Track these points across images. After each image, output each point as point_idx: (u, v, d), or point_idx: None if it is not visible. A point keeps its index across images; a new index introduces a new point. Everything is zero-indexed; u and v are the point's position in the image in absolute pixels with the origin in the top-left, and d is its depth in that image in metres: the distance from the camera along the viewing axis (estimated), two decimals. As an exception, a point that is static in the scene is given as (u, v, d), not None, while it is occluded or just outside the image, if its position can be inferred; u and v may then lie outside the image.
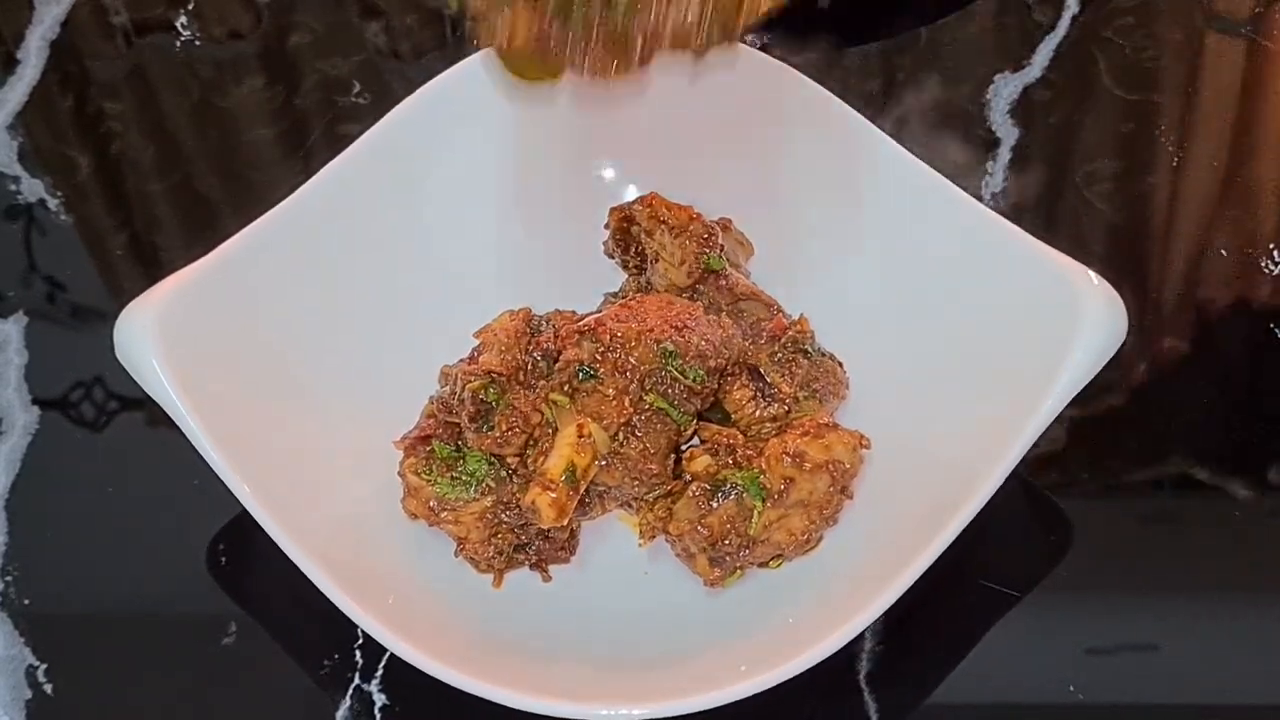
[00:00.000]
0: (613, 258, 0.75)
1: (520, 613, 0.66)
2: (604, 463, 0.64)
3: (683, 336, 0.65)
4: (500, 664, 0.61)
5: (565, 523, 0.63)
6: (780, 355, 0.67)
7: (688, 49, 0.62)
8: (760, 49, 0.77)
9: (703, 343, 0.65)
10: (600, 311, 0.68)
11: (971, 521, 0.61)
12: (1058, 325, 0.63)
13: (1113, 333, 0.63)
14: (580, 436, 0.63)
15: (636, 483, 0.64)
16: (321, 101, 0.95)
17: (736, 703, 0.58)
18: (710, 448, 0.65)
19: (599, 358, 0.64)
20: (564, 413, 0.64)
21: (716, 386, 0.66)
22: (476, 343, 0.68)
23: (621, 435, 0.64)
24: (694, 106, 0.77)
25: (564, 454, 0.63)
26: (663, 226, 0.71)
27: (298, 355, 0.69)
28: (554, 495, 0.62)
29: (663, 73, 0.76)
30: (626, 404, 0.64)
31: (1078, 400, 0.63)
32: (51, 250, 0.87)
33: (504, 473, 0.65)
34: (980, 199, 0.79)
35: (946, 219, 0.70)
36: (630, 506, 0.68)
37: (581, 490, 0.63)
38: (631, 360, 0.64)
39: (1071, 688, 0.65)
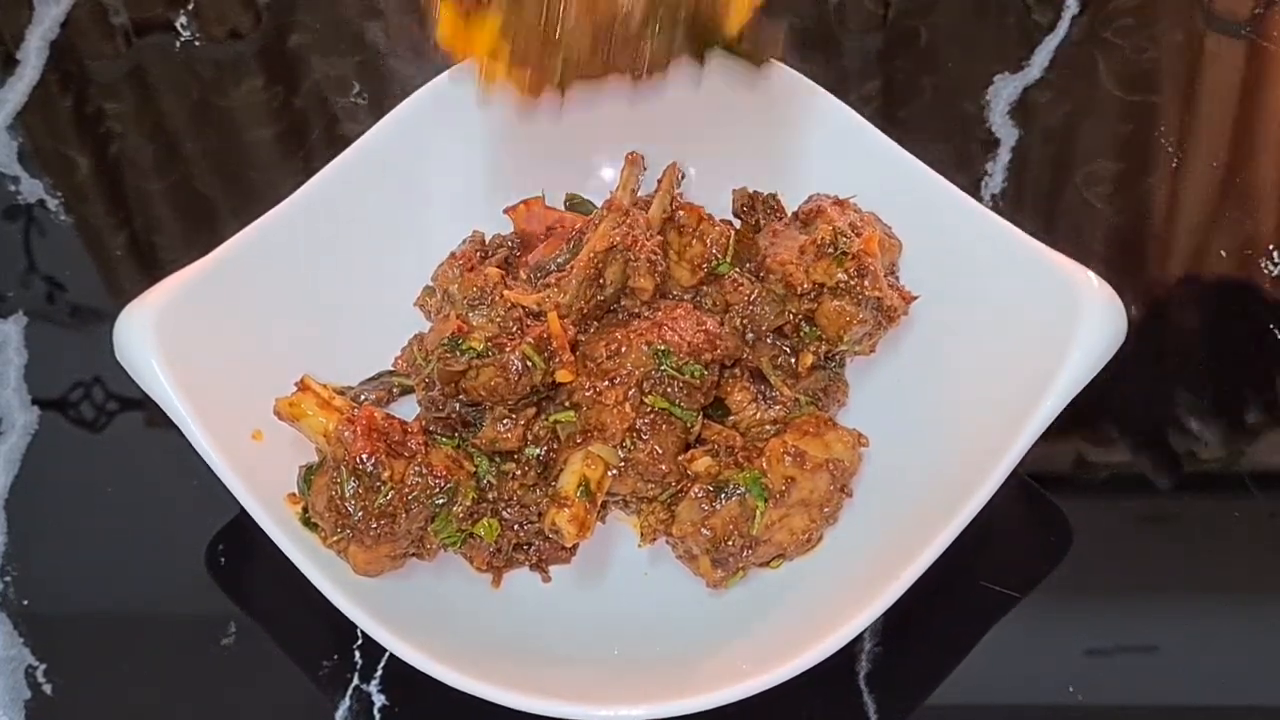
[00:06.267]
0: None
1: (520, 613, 0.66)
2: (615, 472, 0.63)
3: (672, 334, 0.65)
4: (499, 665, 0.61)
5: (588, 538, 0.62)
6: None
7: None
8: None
9: (693, 337, 0.65)
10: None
11: (971, 522, 0.61)
12: (1058, 326, 0.63)
13: (1112, 333, 0.63)
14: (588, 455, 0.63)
15: (650, 485, 0.64)
16: (321, 102, 0.95)
17: (737, 703, 0.58)
18: (711, 449, 0.65)
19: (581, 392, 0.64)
20: (569, 430, 0.64)
21: (718, 380, 0.66)
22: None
23: (629, 441, 0.64)
24: (693, 107, 0.77)
25: (576, 470, 0.63)
26: (671, 224, 0.71)
27: (297, 355, 0.69)
28: (572, 511, 0.61)
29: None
30: (628, 409, 0.63)
31: (1078, 401, 0.63)
32: (51, 250, 0.87)
33: (505, 468, 0.65)
34: (980, 199, 0.79)
35: (946, 220, 0.70)
36: (630, 507, 0.68)
37: (599, 503, 0.63)
38: (627, 366, 0.64)
39: (1071, 688, 0.65)
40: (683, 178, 0.74)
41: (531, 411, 0.65)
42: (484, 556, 0.65)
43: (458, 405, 0.65)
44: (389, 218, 0.75)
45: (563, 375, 0.64)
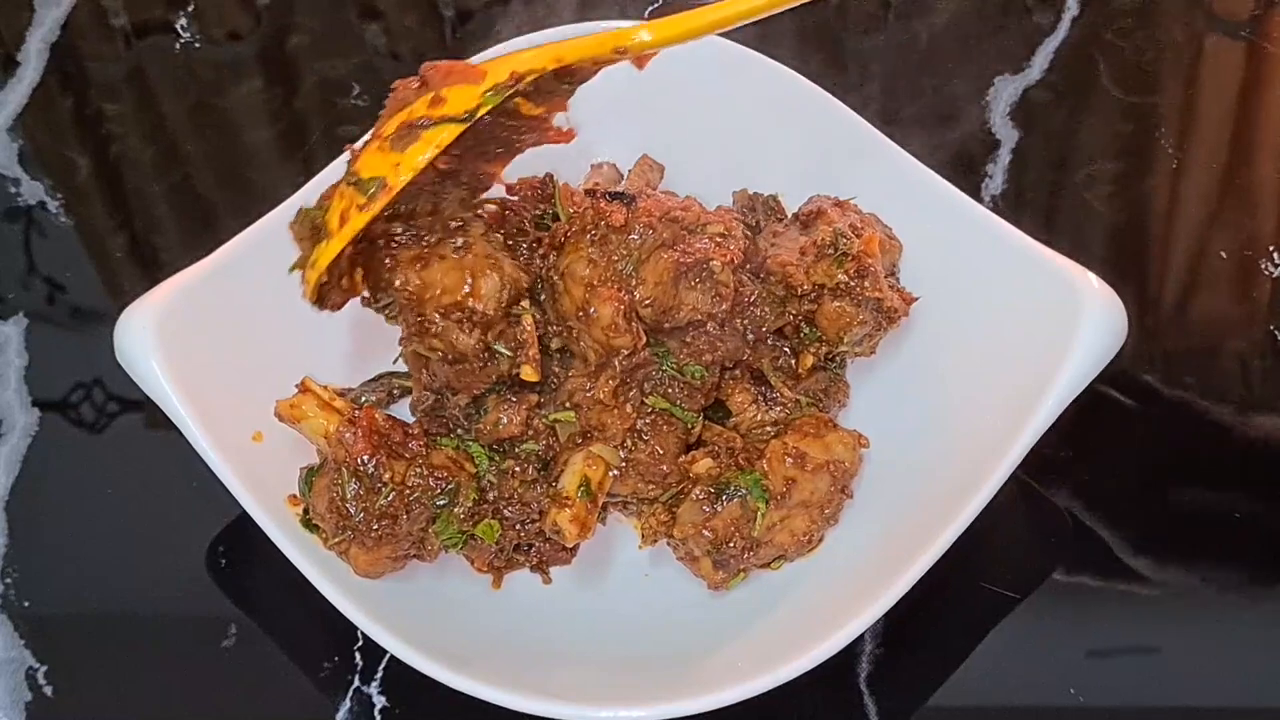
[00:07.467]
0: None
1: (520, 615, 0.66)
2: (616, 473, 0.63)
3: None
4: (499, 666, 0.61)
5: (589, 538, 0.62)
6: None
7: None
8: (759, 52, 0.77)
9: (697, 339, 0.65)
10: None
11: (971, 523, 0.61)
12: (1058, 327, 0.63)
13: (1113, 334, 0.63)
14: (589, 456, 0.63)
15: (651, 485, 0.64)
16: (321, 103, 0.95)
17: (737, 703, 0.58)
18: (712, 450, 0.65)
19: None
20: (569, 430, 0.64)
21: (718, 381, 0.66)
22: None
23: (630, 442, 0.64)
24: (692, 108, 0.77)
25: (577, 470, 0.63)
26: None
27: (297, 357, 0.69)
28: (573, 511, 0.61)
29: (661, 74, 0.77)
30: (629, 410, 0.63)
31: (1078, 401, 0.63)
32: (51, 252, 0.87)
33: (505, 466, 0.65)
34: (980, 200, 0.79)
35: (947, 221, 0.70)
36: (630, 509, 0.68)
37: (600, 503, 0.63)
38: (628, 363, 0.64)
39: (1072, 690, 0.65)
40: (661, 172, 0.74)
41: (534, 399, 0.65)
42: (485, 558, 0.65)
43: (452, 397, 0.65)
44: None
45: (527, 373, 0.63)
